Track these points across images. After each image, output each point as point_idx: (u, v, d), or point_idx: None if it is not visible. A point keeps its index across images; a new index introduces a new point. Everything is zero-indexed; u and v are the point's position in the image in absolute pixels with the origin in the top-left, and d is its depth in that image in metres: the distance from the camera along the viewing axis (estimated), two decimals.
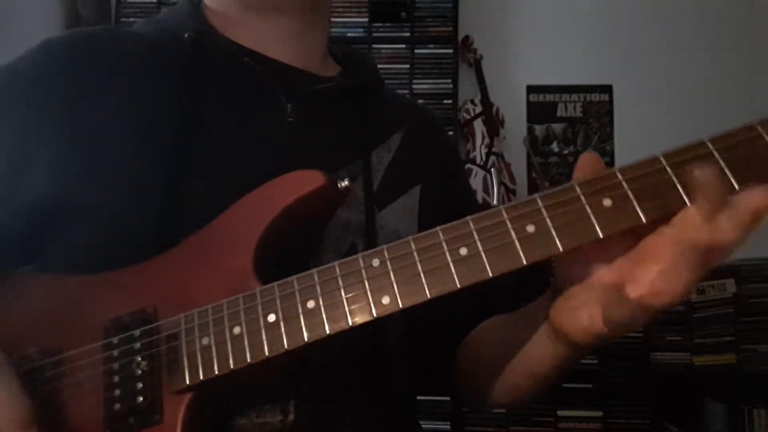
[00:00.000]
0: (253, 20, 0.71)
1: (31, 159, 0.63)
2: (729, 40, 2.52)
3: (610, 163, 2.52)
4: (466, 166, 2.35)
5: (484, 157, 2.38)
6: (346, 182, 0.56)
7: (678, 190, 0.44)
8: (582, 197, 0.46)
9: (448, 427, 2.14)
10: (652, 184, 0.45)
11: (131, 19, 2.48)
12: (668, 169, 0.45)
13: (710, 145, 0.45)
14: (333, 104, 0.71)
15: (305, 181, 0.55)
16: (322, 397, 0.60)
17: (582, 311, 0.47)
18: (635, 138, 2.49)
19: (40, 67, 0.66)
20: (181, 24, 0.70)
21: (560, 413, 2.19)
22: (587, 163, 0.48)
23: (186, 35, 0.68)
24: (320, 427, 0.60)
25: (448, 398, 2.07)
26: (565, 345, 0.51)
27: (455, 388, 0.75)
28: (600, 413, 2.19)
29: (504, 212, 0.48)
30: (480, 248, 0.47)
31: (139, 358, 0.54)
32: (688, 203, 0.44)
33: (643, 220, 0.44)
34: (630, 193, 0.45)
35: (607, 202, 0.45)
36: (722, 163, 0.44)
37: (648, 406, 2.18)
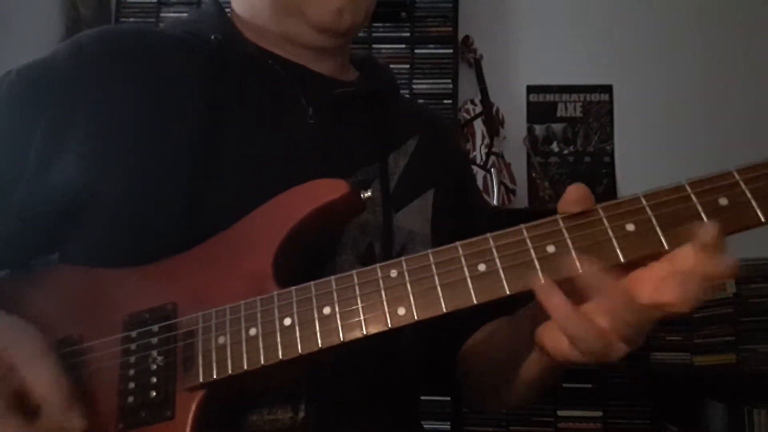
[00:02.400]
0: (287, 42, 0.73)
1: (61, 151, 0.64)
2: (728, 41, 2.52)
3: (611, 163, 2.52)
4: None
5: (484, 157, 2.37)
6: (369, 192, 0.58)
7: (703, 219, 0.45)
8: (605, 221, 0.47)
9: (448, 427, 2.14)
10: (676, 211, 0.45)
11: (131, 20, 2.48)
12: (693, 197, 0.45)
13: (737, 176, 0.45)
14: (352, 108, 0.73)
15: (329, 190, 0.56)
16: (332, 397, 0.61)
17: (562, 338, 0.48)
18: (635, 138, 2.49)
19: (71, 62, 0.67)
20: (208, 27, 0.72)
21: (560, 413, 2.19)
22: (574, 196, 0.48)
23: (212, 37, 0.69)
24: (329, 426, 0.61)
25: (448, 398, 2.09)
26: (548, 358, 0.52)
27: (457, 388, 0.76)
28: (600, 413, 2.19)
29: (525, 231, 0.48)
30: (499, 265, 0.48)
31: (155, 353, 0.54)
32: None
33: (666, 246, 0.45)
34: (653, 219, 0.46)
35: (630, 227, 0.46)
36: (749, 195, 0.45)
37: (648, 406, 2.18)
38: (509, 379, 0.60)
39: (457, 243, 0.50)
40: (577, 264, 0.46)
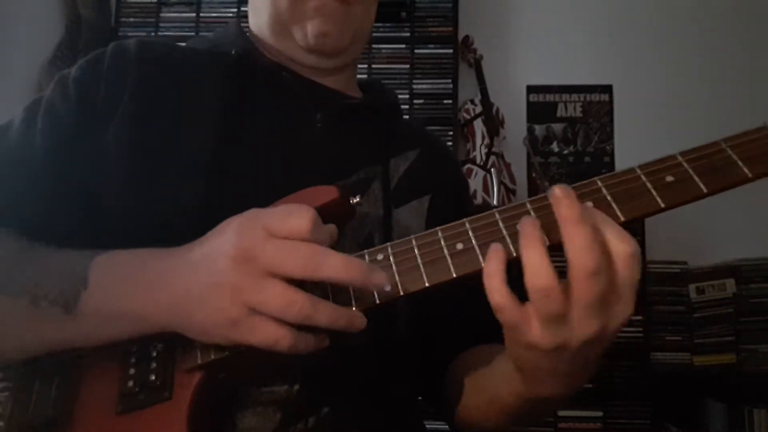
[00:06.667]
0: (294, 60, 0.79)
1: (81, 156, 0.67)
2: (729, 40, 2.52)
3: (611, 163, 2.52)
4: (466, 167, 2.35)
5: (484, 157, 2.38)
6: (357, 198, 0.61)
7: (652, 194, 0.51)
8: None
9: (447, 427, 2.14)
10: (628, 189, 0.52)
11: (131, 20, 2.49)
12: (642, 177, 0.52)
13: (680, 157, 0.52)
14: (357, 118, 0.78)
15: (320, 195, 0.59)
16: (329, 372, 0.62)
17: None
18: (635, 138, 2.49)
19: (116, 60, 0.72)
20: (229, 42, 0.78)
21: (560, 413, 2.19)
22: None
23: (233, 51, 0.74)
24: (325, 397, 0.63)
25: None
26: (519, 376, 0.55)
27: (442, 404, 0.77)
28: (600, 413, 2.19)
29: (496, 213, 0.54)
30: (474, 243, 0.53)
31: (156, 341, 0.56)
32: (662, 205, 0.51)
33: (622, 219, 0.51)
34: (609, 197, 0.52)
35: (589, 204, 0.52)
36: (691, 172, 0.51)
37: (648, 406, 2.18)
38: (480, 395, 0.65)
39: (437, 228, 0.55)
40: (544, 238, 0.50)
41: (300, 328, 0.51)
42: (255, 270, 0.50)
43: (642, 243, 2.12)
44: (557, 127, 2.57)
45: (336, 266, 0.50)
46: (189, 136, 0.68)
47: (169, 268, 0.54)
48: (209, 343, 0.53)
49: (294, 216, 0.51)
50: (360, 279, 0.51)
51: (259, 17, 0.81)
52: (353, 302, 0.53)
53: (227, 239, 0.52)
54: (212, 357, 0.54)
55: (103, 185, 0.66)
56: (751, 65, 2.49)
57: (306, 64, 0.79)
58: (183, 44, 0.81)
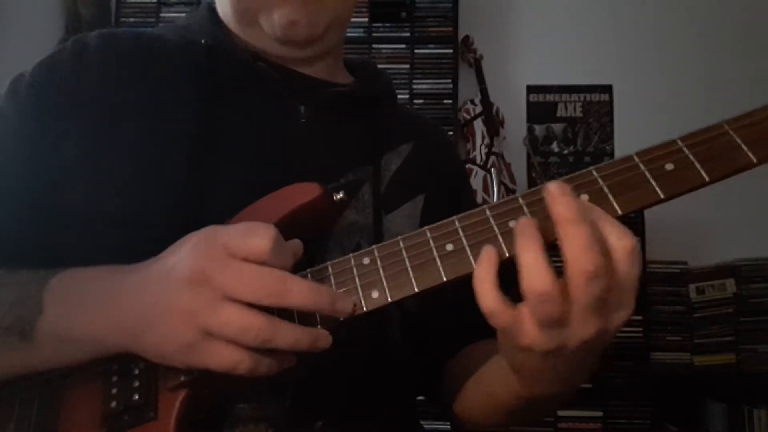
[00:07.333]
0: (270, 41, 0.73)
1: (63, 150, 0.64)
2: (728, 40, 2.52)
3: None
4: (466, 166, 2.35)
5: (484, 157, 2.37)
6: (342, 194, 0.58)
7: (651, 184, 0.48)
8: None
9: (449, 427, 2.14)
10: (626, 179, 0.48)
11: (131, 20, 2.48)
12: (641, 165, 0.48)
13: (680, 143, 0.49)
14: (345, 110, 0.72)
15: (302, 193, 0.57)
16: (321, 386, 0.61)
17: None
18: (635, 138, 2.48)
19: (74, 62, 0.67)
20: (198, 31, 0.72)
21: (560, 413, 2.19)
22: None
23: (203, 41, 0.69)
24: (317, 411, 0.61)
25: None
26: (515, 376, 0.53)
27: (442, 400, 0.76)
28: (600, 413, 2.19)
29: (487, 210, 0.50)
30: (465, 243, 0.50)
31: (138, 357, 0.54)
32: (661, 196, 0.47)
33: (619, 212, 0.48)
34: (605, 189, 0.48)
35: (585, 197, 0.48)
36: (692, 158, 0.48)
37: (648, 406, 2.18)
38: (478, 390, 0.63)
39: (425, 227, 0.52)
40: (541, 238, 0.46)
41: (260, 349, 0.49)
42: (211, 292, 0.47)
43: (642, 243, 2.12)
44: (557, 127, 2.57)
45: (301, 295, 0.48)
46: (161, 139, 0.64)
47: (123, 289, 0.52)
48: (168, 366, 0.51)
49: (254, 236, 0.48)
50: (326, 307, 0.49)
51: (223, 6, 0.74)
52: (318, 321, 0.51)
53: (182, 259, 0.49)
54: (195, 374, 0.52)
55: (71, 194, 0.63)
56: (751, 65, 2.49)
57: (277, 56, 0.72)
58: (151, 31, 0.74)
